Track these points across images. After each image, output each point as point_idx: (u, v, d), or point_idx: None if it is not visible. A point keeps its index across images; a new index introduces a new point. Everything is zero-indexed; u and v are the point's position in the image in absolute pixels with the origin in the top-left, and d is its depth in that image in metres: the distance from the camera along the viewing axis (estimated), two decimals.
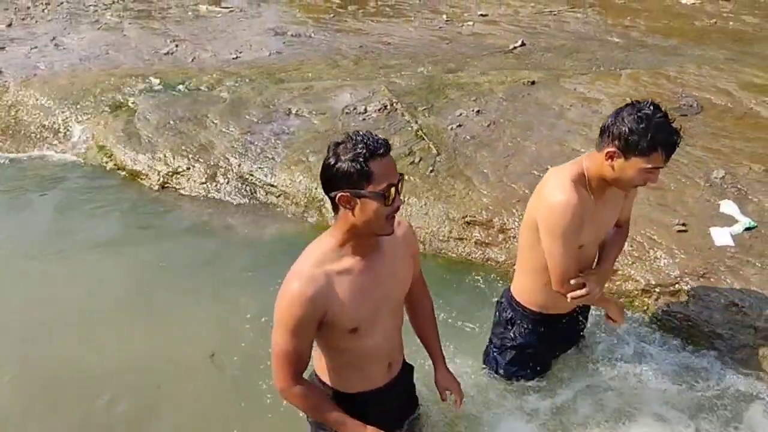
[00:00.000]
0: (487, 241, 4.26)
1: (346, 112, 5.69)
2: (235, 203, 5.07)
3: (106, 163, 5.70)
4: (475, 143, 5.05)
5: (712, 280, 3.57)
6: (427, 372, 2.75)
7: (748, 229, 3.83)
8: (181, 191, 5.24)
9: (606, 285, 3.68)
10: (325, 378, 2.40)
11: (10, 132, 6.29)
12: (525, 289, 2.98)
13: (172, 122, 5.79)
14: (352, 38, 8.28)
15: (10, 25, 9.20)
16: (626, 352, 3.40)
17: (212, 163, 5.29)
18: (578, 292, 2.69)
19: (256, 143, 5.39)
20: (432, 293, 2.65)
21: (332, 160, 2.02)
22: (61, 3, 10.18)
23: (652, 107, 2.42)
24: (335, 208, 2.10)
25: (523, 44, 7.57)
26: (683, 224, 3.91)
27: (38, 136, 6.24)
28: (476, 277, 4.10)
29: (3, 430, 3.30)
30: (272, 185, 5.05)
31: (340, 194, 2.03)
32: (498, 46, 7.69)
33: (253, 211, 4.98)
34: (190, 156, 5.38)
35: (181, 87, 6.51)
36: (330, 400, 2.33)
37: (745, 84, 5.59)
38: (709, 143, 4.69)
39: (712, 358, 3.33)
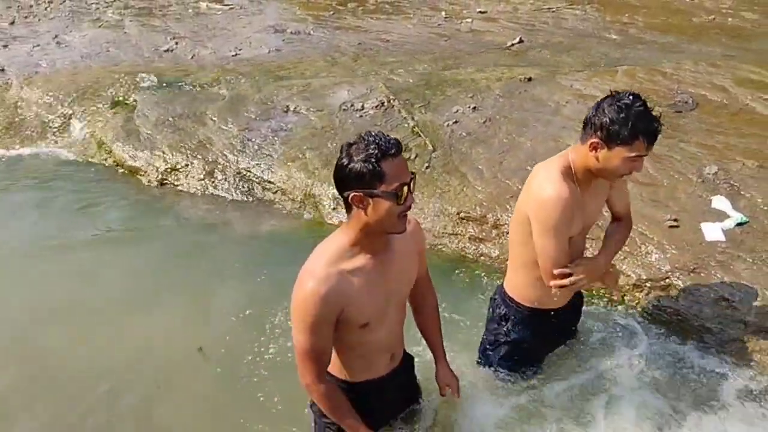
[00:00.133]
0: (481, 236, 4.30)
1: (344, 109, 5.73)
2: (232, 199, 5.12)
3: (106, 159, 5.75)
4: (471, 140, 5.08)
5: (702, 275, 3.60)
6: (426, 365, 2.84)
7: (739, 224, 3.86)
8: (180, 188, 5.29)
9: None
10: (330, 368, 2.45)
11: (13, 129, 6.36)
12: (517, 285, 3.01)
13: (171, 119, 5.84)
14: (351, 35, 8.31)
15: (12, 23, 9.26)
16: (618, 345, 3.42)
17: (210, 160, 5.34)
18: (562, 281, 2.70)
19: (253, 140, 5.44)
20: None
21: (345, 161, 2.07)
22: (64, 1, 10.22)
23: (631, 97, 2.48)
24: (348, 208, 2.16)
25: (521, 41, 7.59)
26: (675, 220, 3.94)
27: (39, 132, 6.31)
28: (470, 272, 4.14)
29: None
30: (269, 181, 5.10)
31: (353, 194, 2.08)
32: (496, 43, 7.70)
33: (251, 207, 5.02)
34: (189, 153, 5.42)
35: (180, 84, 6.55)
36: (350, 406, 2.40)
37: (741, 80, 5.59)
38: (703, 139, 4.71)
39: (702, 351, 3.36)
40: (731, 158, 4.46)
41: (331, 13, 9.40)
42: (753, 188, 4.14)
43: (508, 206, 4.29)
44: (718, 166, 4.37)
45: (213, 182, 5.23)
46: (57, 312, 4.00)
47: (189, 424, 3.30)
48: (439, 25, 8.62)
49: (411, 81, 6.14)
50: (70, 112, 6.34)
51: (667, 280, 3.65)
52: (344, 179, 2.09)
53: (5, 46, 8.22)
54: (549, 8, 8.95)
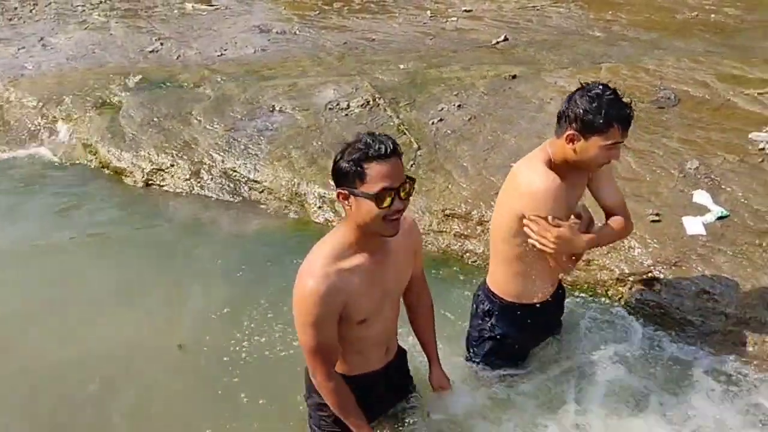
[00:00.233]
0: (465, 233, 4.32)
1: (330, 108, 5.74)
2: (218, 199, 5.11)
3: (91, 161, 5.74)
4: (456, 137, 5.11)
5: (684, 268, 3.64)
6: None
7: (720, 218, 3.90)
8: (165, 188, 5.29)
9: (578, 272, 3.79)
10: None
11: None
12: (500, 281, 3.04)
13: (156, 120, 5.84)
14: (336, 35, 8.32)
15: None
16: (601, 338, 3.45)
17: (196, 160, 5.34)
18: (534, 223, 2.65)
19: (239, 140, 5.45)
20: None
21: (338, 157, 2.14)
22: (49, 3, 10.18)
23: (600, 87, 2.54)
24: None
25: (506, 39, 7.62)
26: (657, 214, 3.98)
27: (25, 135, 6.29)
28: (455, 269, 4.16)
29: None
30: (255, 181, 5.10)
31: (338, 191, 2.16)
32: (481, 41, 7.74)
33: (237, 207, 5.02)
34: (174, 153, 5.42)
35: (165, 85, 6.55)
36: (356, 404, 2.45)
37: (723, 76, 5.65)
38: (685, 134, 4.76)
39: (683, 342, 3.40)
40: (712, 153, 4.51)
41: (317, 12, 9.41)
42: (733, 182, 4.18)
43: (492, 203, 4.30)
44: (700, 160, 4.41)
45: (199, 182, 5.23)
46: (38, 311, 4.00)
47: (169, 421, 3.29)
48: (424, 23, 8.65)
49: (396, 80, 6.16)
50: (56, 114, 6.32)
51: (650, 274, 3.68)
52: (334, 175, 2.18)
53: None
54: (533, 6, 8.99)
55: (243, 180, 5.16)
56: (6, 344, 3.77)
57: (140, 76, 6.73)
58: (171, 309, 3.99)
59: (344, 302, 2.23)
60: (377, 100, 5.71)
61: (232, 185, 5.17)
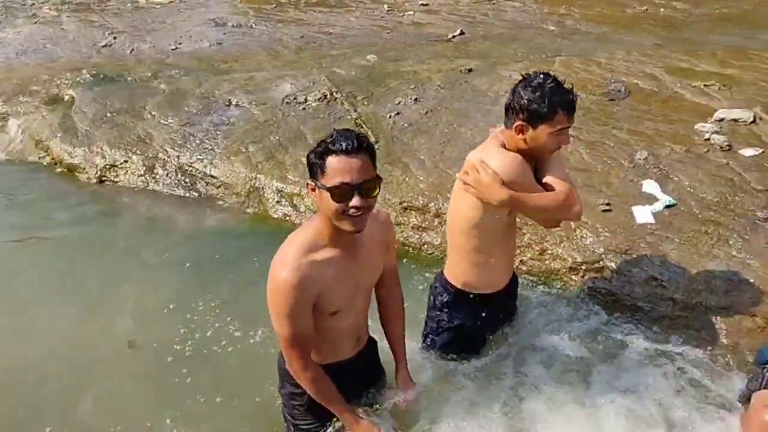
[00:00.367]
0: (423, 225, 4.37)
1: (287, 102, 5.73)
2: (174, 195, 5.07)
3: (43, 158, 5.64)
4: (413, 130, 5.15)
5: (633, 256, 3.75)
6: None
7: (668, 207, 4.02)
8: (119, 184, 5.23)
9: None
10: None
11: None
12: (457, 272, 3.09)
13: (109, 115, 5.76)
14: (293, 28, 8.29)
15: None
16: (552, 325, 3.52)
17: (150, 155, 5.28)
18: (466, 172, 2.76)
19: (195, 134, 5.40)
20: None
21: (310, 150, 2.18)
22: None
23: (542, 76, 2.61)
24: None
25: (462, 33, 7.70)
26: (608, 204, 4.08)
27: None
28: (413, 261, 4.20)
29: None
30: (212, 176, 5.07)
31: (308, 181, 2.20)
32: (438, 35, 7.80)
33: (193, 203, 4.99)
34: (128, 148, 5.35)
35: (118, 79, 6.45)
36: (336, 390, 2.48)
37: (671, 69, 5.80)
38: (635, 126, 4.88)
39: (632, 326, 3.49)
40: (660, 143, 4.63)
41: (273, 6, 9.36)
42: (680, 172, 4.31)
43: (449, 195, 4.33)
44: (648, 151, 4.53)
45: (154, 178, 5.17)
46: None
47: (119, 418, 3.25)
48: (381, 17, 8.68)
49: (354, 73, 6.18)
50: (6, 110, 6.18)
51: (601, 262, 3.78)
52: (307, 167, 2.21)
53: None
54: (489, 0, 9.09)
55: (199, 175, 5.12)
56: None
57: (93, 71, 6.61)
58: (122, 306, 3.94)
59: (317, 293, 2.26)
60: (334, 93, 5.72)
61: (188, 181, 5.13)
